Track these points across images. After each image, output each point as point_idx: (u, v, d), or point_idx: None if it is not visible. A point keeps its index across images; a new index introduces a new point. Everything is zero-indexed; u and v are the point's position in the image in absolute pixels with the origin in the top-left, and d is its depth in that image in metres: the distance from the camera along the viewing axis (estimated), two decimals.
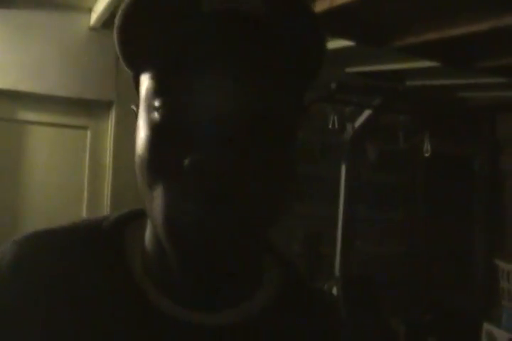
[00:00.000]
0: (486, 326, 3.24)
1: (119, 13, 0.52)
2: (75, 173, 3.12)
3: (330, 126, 3.02)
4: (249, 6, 0.49)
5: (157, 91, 0.50)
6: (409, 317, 3.48)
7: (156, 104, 0.49)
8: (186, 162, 0.47)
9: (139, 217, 0.62)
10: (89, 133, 3.16)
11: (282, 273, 0.63)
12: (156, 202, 0.50)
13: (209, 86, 0.48)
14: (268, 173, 0.50)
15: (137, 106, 0.55)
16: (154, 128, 0.50)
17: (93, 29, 2.98)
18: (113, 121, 3.12)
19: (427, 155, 3.26)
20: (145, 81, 0.52)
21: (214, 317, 0.55)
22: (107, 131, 3.16)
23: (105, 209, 3.11)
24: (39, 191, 3.03)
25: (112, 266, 0.57)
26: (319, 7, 2.01)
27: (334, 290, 3.03)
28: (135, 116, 0.56)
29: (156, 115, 0.50)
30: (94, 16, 2.89)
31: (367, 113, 3.23)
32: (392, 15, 2.16)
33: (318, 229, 3.31)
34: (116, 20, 0.53)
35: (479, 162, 3.94)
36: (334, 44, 2.47)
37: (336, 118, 3.01)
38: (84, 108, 3.14)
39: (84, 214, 3.12)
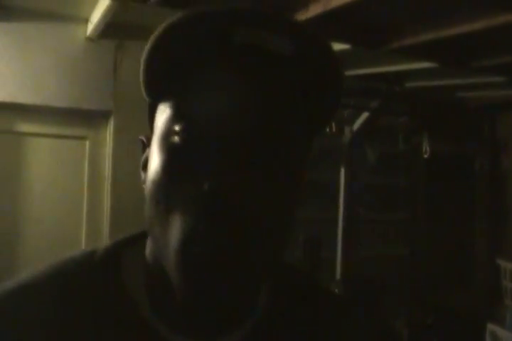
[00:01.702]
0: (490, 326, 3.22)
1: (148, 44, 0.54)
2: (74, 184, 3.11)
3: (327, 130, 3.01)
4: (277, 44, 0.51)
5: (178, 116, 0.51)
6: (412, 319, 3.46)
7: (177, 128, 0.51)
8: (205, 187, 0.47)
9: (132, 243, 0.62)
10: (87, 143, 3.16)
11: (272, 287, 0.63)
12: (173, 226, 0.50)
13: (228, 114, 0.50)
14: (277, 203, 0.52)
15: (147, 138, 0.58)
16: (173, 152, 0.51)
17: (90, 39, 2.98)
18: (111, 130, 3.11)
19: (426, 156, 3.26)
20: (165, 109, 0.53)
21: None
22: (106, 141, 3.15)
23: (105, 219, 3.11)
24: (39, 202, 3.03)
25: (112, 298, 0.56)
26: (313, 10, 2.01)
27: None
28: (143, 146, 0.59)
29: (175, 139, 0.51)
30: (90, 26, 2.89)
31: (365, 115, 3.23)
32: (388, 17, 2.16)
33: (319, 232, 3.30)
34: (144, 52, 0.55)
35: (480, 162, 3.94)
36: None
37: (333, 121, 3.00)
38: (83, 118, 3.13)
39: (84, 224, 3.11)
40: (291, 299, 0.63)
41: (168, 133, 0.52)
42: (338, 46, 2.40)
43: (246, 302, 0.59)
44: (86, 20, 2.93)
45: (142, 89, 0.57)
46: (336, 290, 3.05)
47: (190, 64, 0.52)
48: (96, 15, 2.74)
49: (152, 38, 0.54)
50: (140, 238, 0.61)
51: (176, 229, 0.49)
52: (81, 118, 3.12)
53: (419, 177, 3.87)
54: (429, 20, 2.12)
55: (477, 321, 3.30)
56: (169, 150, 0.51)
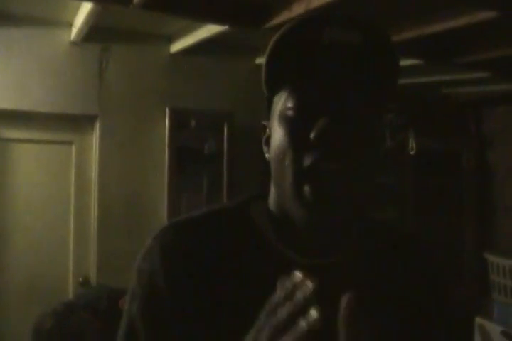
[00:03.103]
0: (479, 320, 3.24)
1: (267, 52, 0.74)
2: (61, 188, 3.10)
3: None
4: (352, 39, 0.71)
5: (291, 97, 0.72)
6: None
7: (290, 105, 0.72)
8: (312, 135, 0.68)
9: (255, 198, 0.83)
10: (74, 147, 3.14)
11: (360, 227, 0.82)
12: (289, 167, 0.70)
13: (325, 92, 0.71)
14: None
15: (267, 123, 0.79)
16: (290, 119, 0.72)
17: (74, 43, 2.97)
18: (97, 135, 3.10)
19: (412, 153, 3.27)
20: (280, 96, 0.75)
21: (323, 260, 0.76)
22: (92, 145, 3.14)
23: (93, 223, 3.09)
24: (26, 208, 3.01)
25: (246, 231, 0.78)
26: (296, 10, 2.01)
27: None
28: (264, 129, 0.81)
29: (290, 112, 0.72)
30: (74, 31, 2.88)
31: None
32: (370, 16, 2.16)
33: None
34: (265, 59, 0.75)
35: (466, 157, 3.96)
36: None
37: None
38: (68, 123, 3.12)
39: (71, 228, 3.10)
40: (377, 236, 0.84)
41: (284, 110, 0.73)
42: None
43: (344, 230, 0.78)
44: (70, 25, 2.92)
45: (263, 86, 0.77)
46: None
47: (298, 60, 0.72)
48: (79, 19, 2.73)
49: (269, 48, 0.74)
50: (260, 196, 0.82)
51: (290, 168, 0.70)
52: (66, 123, 3.11)
53: (406, 174, 3.89)
54: (412, 18, 2.13)
55: (466, 315, 3.32)
56: (286, 120, 0.72)
